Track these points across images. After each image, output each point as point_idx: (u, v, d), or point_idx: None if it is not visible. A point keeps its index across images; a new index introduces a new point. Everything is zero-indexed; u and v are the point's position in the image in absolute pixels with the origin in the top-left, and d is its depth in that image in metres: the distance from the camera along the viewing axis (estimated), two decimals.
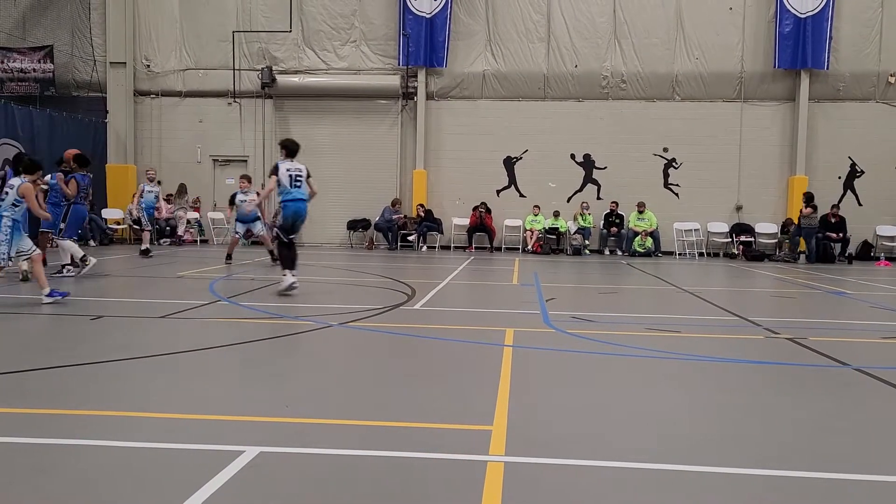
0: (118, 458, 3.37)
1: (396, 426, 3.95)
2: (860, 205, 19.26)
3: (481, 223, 19.52)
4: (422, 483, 3.17)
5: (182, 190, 20.18)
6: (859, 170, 19.33)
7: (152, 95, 20.77)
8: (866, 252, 18.90)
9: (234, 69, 20.24)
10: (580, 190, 19.94)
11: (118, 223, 19.94)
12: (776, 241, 19.09)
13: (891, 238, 18.94)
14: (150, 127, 20.79)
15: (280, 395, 4.59)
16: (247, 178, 14.81)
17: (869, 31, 18.85)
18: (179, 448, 3.51)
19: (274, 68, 20.05)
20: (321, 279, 12.26)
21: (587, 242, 19.25)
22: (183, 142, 20.70)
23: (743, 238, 19.00)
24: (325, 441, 3.67)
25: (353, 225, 20.20)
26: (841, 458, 3.59)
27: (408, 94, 20.12)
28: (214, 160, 20.89)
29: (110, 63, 20.38)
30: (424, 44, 19.60)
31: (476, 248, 19.54)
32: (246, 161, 20.78)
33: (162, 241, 19.58)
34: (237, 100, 20.48)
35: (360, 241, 20.21)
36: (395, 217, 19.56)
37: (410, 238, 19.73)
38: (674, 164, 19.63)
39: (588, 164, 19.84)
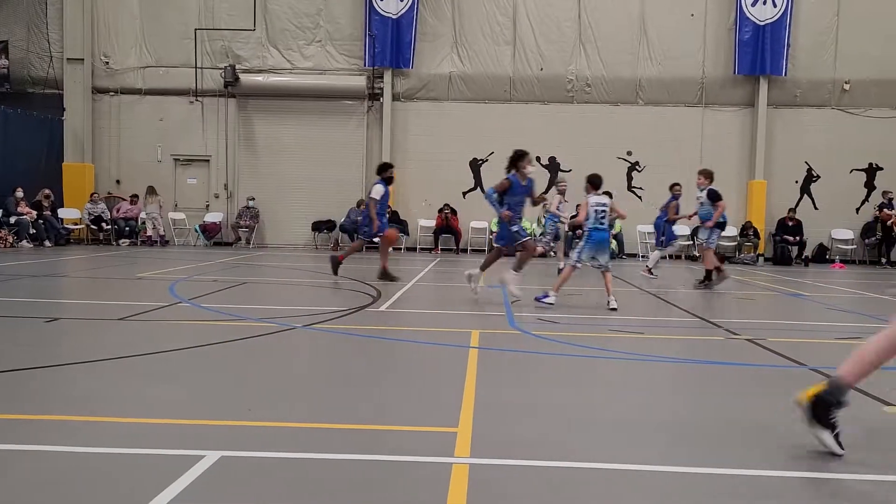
0: (72, 464, 3.28)
1: (361, 429, 3.92)
2: (816, 208, 19.74)
3: (447, 225, 19.53)
4: (386, 486, 3.14)
5: (152, 191, 19.83)
6: (815, 174, 19.82)
7: (111, 93, 20.34)
8: (822, 255, 19.39)
9: (196, 67, 19.93)
10: (545, 192, 20.03)
11: (75, 223, 19.49)
12: (736, 243, 19.45)
13: (845, 241, 19.44)
14: (108, 125, 20.36)
15: (242, 399, 4.51)
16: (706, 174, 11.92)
17: (825, 40, 19.35)
18: (136, 453, 3.42)
19: (237, 67, 19.79)
20: (285, 280, 12.13)
21: (553, 244, 19.33)
22: (143, 141, 20.33)
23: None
24: (288, 445, 3.61)
25: (318, 226, 20.04)
26: (799, 457, 3.65)
27: (374, 95, 20.04)
28: (175, 159, 20.55)
29: (67, 59, 19.91)
30: (391, 45, 19.55)
31: (442, 249, 19.54)
32: (208, 161, 20.50)
33: (121, 241, 19.21)
34: (199, 98, 20.17)
35: (325, 243, 20.06)
36: (360, 218, 19.42)
37: (376, 240, 19.59)
38: (637, 167, 19.88)
39: (553, 166, 19.98)
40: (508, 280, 9.02)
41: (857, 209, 19.68)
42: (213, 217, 20.30)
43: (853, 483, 3.31)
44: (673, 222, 13.45)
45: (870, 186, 19.67)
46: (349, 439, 3.75)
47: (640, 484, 3.25)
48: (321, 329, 7.01)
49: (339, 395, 4.68)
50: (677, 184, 13.78)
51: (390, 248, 11.61)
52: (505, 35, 19.79)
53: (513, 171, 9.15)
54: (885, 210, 18.76)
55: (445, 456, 3.46)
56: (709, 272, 11.59)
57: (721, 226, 11.77)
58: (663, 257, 13.92)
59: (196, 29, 19.86)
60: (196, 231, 20.12)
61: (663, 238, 13.63)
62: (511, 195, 9.10)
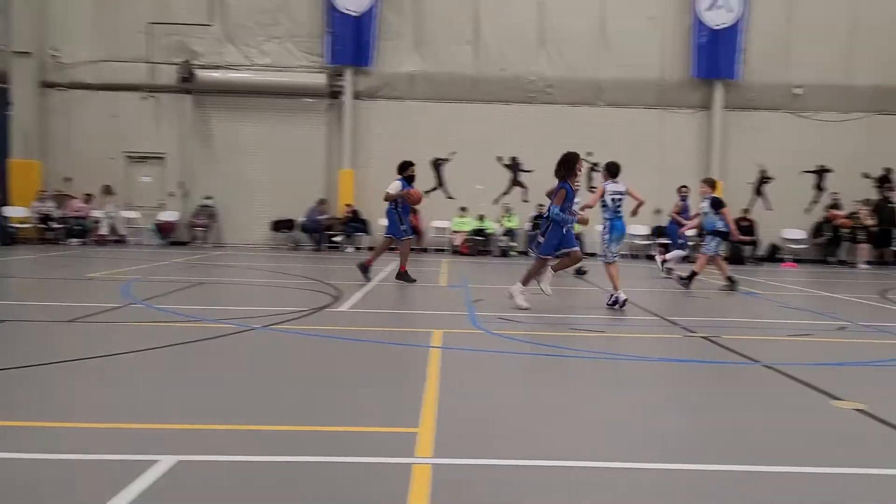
0: (22, 471, 3.16)
1: (321, 430, 3.87)
2: (769, 209, 20.20)
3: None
4: (347, 487, 3.10)
5: (108, 190, 19.33)
6: (768, 176, 20.30)
7: (61, 88, 19.74)
8: (774, 254, 19.87)
9: (150, 62, 19.48)
10: (507, 192, 20.16)
11: (22, 222, 18.88)
12: (693, 243, 19.77)
13: (796, 241, 19.95)
14: (58, 121, 19.74)
15: (198, 402, 4.41)
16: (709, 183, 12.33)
17: (778, 45, 19.78)
18: (89, 459, 3.31)
19: (193, 63, 19.41)
20: (243, 280, 11.95)
21: (514, 244, 19.48)
22: (94, 137, 19.77)
23: (662, 240, 19.62)
24: (247, 448, 3.54)
25: (278, 225, 19.79)
26: (753, 450, 3.72)
27: (334, 93, 19.86)
28: (129, 157, 20.07)
29: (14, 52, 19.22)
30: (351, 42, 19.41)
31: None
32: (163, 158, 20.07)
33: (71, 240, 18.69)
34: (154, 94, 19.73)
35: (285, 242, 19.82)
36: (321, 217, 19.29)
37: (337, 239, 19.50)
38: (596, 168, 20.07)
39: (514, 166, 20.08)
40: (515, 292, 8.67)
41: (808, 210, 20.22)
42: (168, 216, 19.88)
43: (802, 476, 3.39)
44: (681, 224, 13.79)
45: (819, 188, 20.23)
46: (309, 441, 3.69)
47: (605, 481, 3.27)
48: (281, 330, 6.91)
49: (299, 397, 4.61)
50: (685, 186, 14.13)
51: (382, 252, 11.70)
52: (466, 35, 19.80)
53: (565, 179, 8.61)
54: (833, 210, 19.34)
55: (407, 456, 3.43)
56: (693, 273, 11.77)
57: (723, 235, 11.83)
58: (686, 257, 14.34)
59: (150, 23, 19.41)
60: (150, 230, 19.68)
61: (681, 241, 14.00)
62: (567, 201, 8.59)
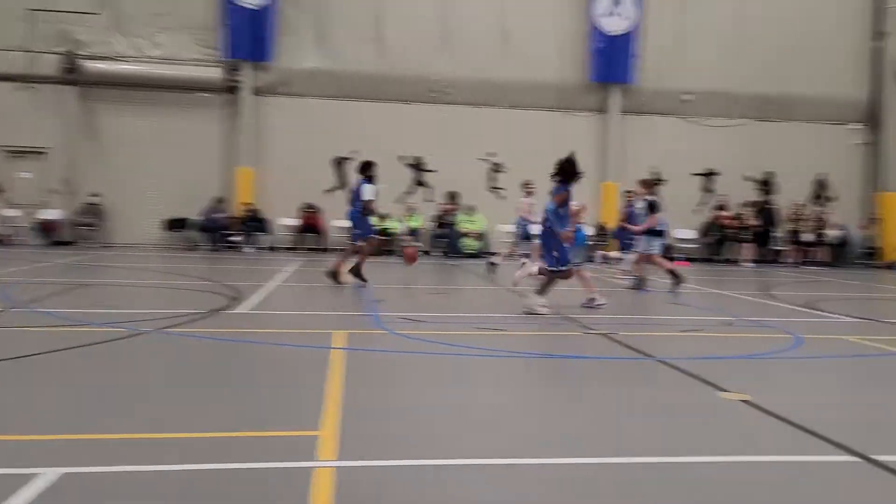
0: None
1: (215, 437, 3.70)
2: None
3: (310, 223, 19.13)
4: (246, 494, 2.97)
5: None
6: (661, 178, 21.20)
7: None
8: (666, 253, 20.79)
9: (28, 51, 18.21)
10: (410, 192, 20.13)
11: None
12: (592, 243, 20.41)
13: (687, 240, 20.97)
14: None
15: (85, 410, 4.12)
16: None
17: (669, 53, 20.72)
18: None
19: (78, 53, 18.30)
20: (133, 281, 11.35)
21: (417, 244, 19.47)
22: None
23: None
24: (137, 458, 3.33)
25: (172, 224, 18.96)
26: (644, 442, 3.83)
27: (231, 88, 19.23)
28: (5, 151, 18.69)
29: None
30: (249, 36, 18.86)
31: (305, 248, 19.10)
32: (45, 153, 18.83)
33: None
34: (34, 85, 18.46)
35: (180, 242, 19.01)
36: (218, 216, 18.64)
37: (235, 239, 18.89)
38: (499, 168, 20.38)
39: (417, 166, 20.09)
40: (533, 304, 8.46)
41: (696, 211, 21.28)
42: (51, 214, 18.67)
43: (693, 465, 3.52)
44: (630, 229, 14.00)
45: (708, 190, 21.34)
46: (203, 448, 3.52)
47: (508, 478, 3.28)
48: (174, 333, 6.59)
49: (192, 403, 4.40)
50: (631, 191, 14.45)
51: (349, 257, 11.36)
52: (368, 33, 19.64)
53: (566, 182, 8.45)
54: (720, 212, 20.48)
55: (307, 460, 3.33)
56: (671, 272, 11.97)
57: (658, 233, 12.10)
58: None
59: (29, 9, 18.14)
60: (29, 229, 18.39)
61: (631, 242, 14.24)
62: (565, 206, 8.38)
